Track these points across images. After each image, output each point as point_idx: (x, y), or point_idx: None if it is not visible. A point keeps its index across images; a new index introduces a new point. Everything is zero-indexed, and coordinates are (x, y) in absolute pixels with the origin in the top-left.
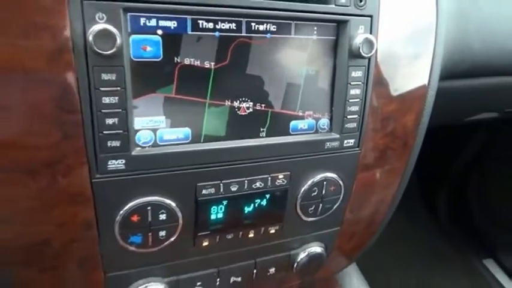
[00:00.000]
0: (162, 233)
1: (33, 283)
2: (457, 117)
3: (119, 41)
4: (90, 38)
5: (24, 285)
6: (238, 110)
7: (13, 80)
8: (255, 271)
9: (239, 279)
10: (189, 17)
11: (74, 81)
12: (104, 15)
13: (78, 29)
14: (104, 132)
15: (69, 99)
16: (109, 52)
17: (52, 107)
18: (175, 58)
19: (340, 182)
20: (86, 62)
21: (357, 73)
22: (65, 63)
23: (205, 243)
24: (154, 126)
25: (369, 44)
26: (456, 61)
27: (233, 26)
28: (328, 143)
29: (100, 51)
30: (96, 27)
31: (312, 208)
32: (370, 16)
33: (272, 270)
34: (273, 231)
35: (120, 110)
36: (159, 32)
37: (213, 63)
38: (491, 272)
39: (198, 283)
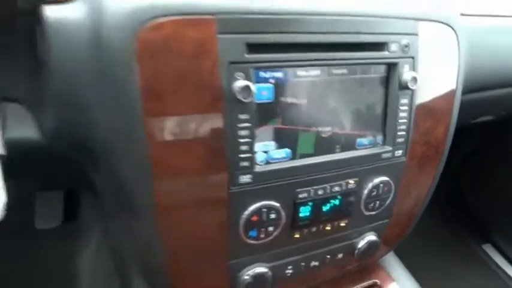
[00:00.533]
0: (271, 228)
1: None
2: (465, 121)
3: (253, 90)
4: (235, 90)
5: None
6: (322, 134)
7: (193, 119)
8: (328, 256)
9: (317, 263)
10: (291, 69)
11: (222, 119)
12: (242, 73)
13: (226, 84)
14: (239, 155)
15: (218, 132)
16: (247, 100)
17: (208, 138)
18: (281, 98)
19: (392, 183)
20: (231, 107)
21: (404, 100)
22: (218, 108)
23: (296, 236)
24: (266, 149)
25: (414, 79)
26: (473, 81)
27: (319, 72)
28: (383, 154)
29: (242, 99)
30: (239, 83)
31: (371, 205)
32: (413, 57)
33: (340, 255)
34: (342, 224)
35: (249, 139)
36: (272, 80)
37: (305, 100)
38: (491, 257)
39: (289, 267)
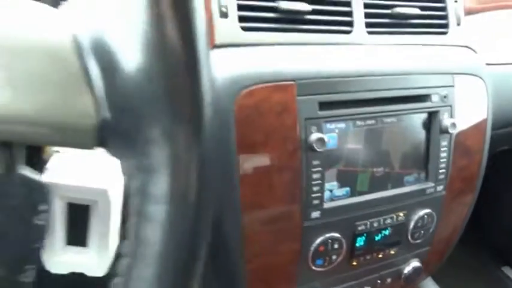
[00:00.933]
0: (334, 257)
1: None
2: (491, 152)
3: (326, 141)
4: (311, 141)
5: None
6: (376, 173)
7: (277, 165)
8: (379, 281)
9: (369, 287)
10: (352, 120)
11: (300, 165)
12: (315, 127)
13: (304, 136)
14: (311, 195)
15: (296, 175)
16: (321, 150)
17: (288, 180)
18: (343, 145)
19: (434, 214)
20: (306, 155)
21: (444, 143)
22: (297, 156)
23: (354, 263)
24: (331, 188)
25: (453, 125)
26: (499, 119)
27: (374, 121)
28: (427, 190)
29: (317, 149)
30: (315, 136)
31: (417, 234)
32: (451, 106)
33: (389, 280)
34: (392, 252)
35: (320, 181)
36: (336, 131)
37: (362, 145)
38: (510, 278)
39: None
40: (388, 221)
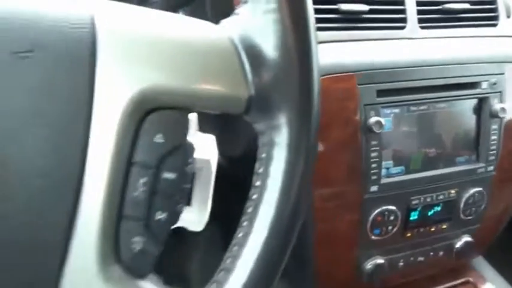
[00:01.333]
0: (390, 227)
1: None
2: None
3: (383, 124)
4: (370, 124)
5: None
6: (429, 154)
7: (339, 145)
8: (431, 253)
9: (422, 258)
10: (406, 106)
11: (360, 145)
12: (373, 111)
13: (363, 120)
14: (370, 171)
15: (356, 154)
16: (378, 131)
17: (349, 158)
18: (398, 128)
19: (484, 193)
20: (366, 136)
21: (494, 126)
22: (357, 137)
23: (408, 234)
24: (387, 166)
25: (503, 110)
26: None
27: (426, 107)
28: (478, 170)
29: (375, 131)
30: (373, 119)
31: (468, 211)
32: (500, 92)
33: (441, 253)
34: (444, 226)
35: (377, 159)
36: (392, 115)
37: (415, 128)
38: None
39: (401, 260)
40: (441, 197)
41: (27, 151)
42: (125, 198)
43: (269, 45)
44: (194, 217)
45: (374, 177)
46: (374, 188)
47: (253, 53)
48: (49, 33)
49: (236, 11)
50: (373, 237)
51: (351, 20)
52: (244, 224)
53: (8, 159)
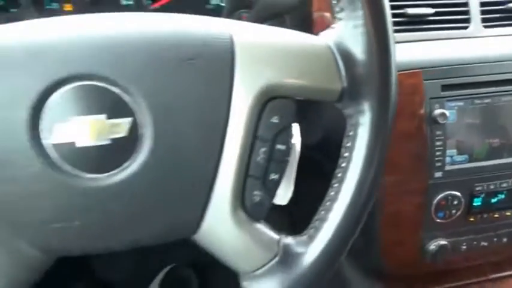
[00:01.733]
0: (453, 211)
1: None
2: None
3: (447, 115)
4: (435, 115)
5: None
6: (492, 144)
7: (406, 134)
8: (495, 239)
9: (486, 243)
10: (470, 100)
11: (426, 135)
12: (438, 104)
13: (429, 112)
14: (435, 158)
15: (422, 143)
16: (443, 122)
17: (416, 146)
18: (461, 120)
19: None
20: (431, 127)
21: None
22: (422, 127)
23: (471, 219)
24: (451, 154)
25: None
26: None
27: (489, 100)
28: None
29: (440, 122)
30: (438, 111)
31: None
32: None
33: (505, 239)
34: (508, 213)
35: (442, 147)
36: (456, 107)
37: (478, 120)
38: None
39: (464, 243)
40: (504, 185)
41: (187, 128)
42: (250, 163)
43: (358, 50)
44: (281, 192)
45: (438, 164)
46: (438, 174)
47: (346, 55)
48: (204, 46)
49: (332, 26)
50: (437, 220)
51: (418, 22)
52: (335, 185)
53: (175, 132)
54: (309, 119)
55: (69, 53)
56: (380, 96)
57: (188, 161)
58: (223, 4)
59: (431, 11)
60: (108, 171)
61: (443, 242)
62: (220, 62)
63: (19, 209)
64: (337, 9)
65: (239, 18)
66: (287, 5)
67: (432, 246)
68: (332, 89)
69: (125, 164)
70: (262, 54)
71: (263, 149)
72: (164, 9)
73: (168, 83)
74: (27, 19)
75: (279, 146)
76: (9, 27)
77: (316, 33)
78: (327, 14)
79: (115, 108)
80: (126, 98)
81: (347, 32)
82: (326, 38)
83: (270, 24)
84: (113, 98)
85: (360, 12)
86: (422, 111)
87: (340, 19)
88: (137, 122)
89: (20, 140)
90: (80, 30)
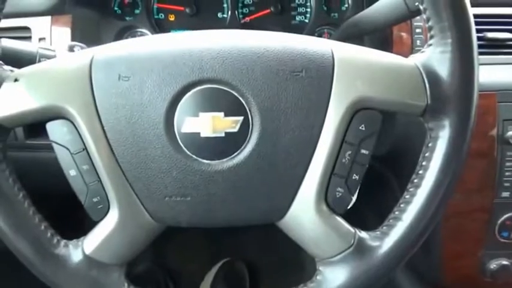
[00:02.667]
0: None
1: None
2: None
3: None
4: (508, 137)
5: None
6: None
7: (478, 153)
8: None
9: None
10: None
11: (495, 156)
12: (511, 126)
13: (501, 133)
14: (503, 178)
15: (492, 163)
16: None
17: (485, 166)
18: None
19: None
20: (502, 147)
21: None
22: (494, 147)
23: None
24: None
25: None
26: None
27: None
28: None
29: (511, 143)
30: (510, 133)
31: None
32: None
33: None
34: None
35: (511, 168)
36: None
37: None
38: None
39: None
40: None
41: (288, 129)
42: (336, 163)
43: (443, 72)
44: None
45: (507, 184)
46: (506, 194)
47: (432, 76)
48: (309, 61)
49: (422, 50)
50: (500, 239)
51: (495, 46)
52: (411, 189)
53: (278, 132)
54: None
55: (200, 62)
56: (461, 115)
57: (285, 157)
58: (307, 21)
59: (509, 36)
60: (220, 159)
61: (505, 261)
62: (321, 76)
63: (149, 182)
64: (428, 35)
65: (321, 35)
66: (372, 26)
67: (493, 264)
68: (417, 104)
69: (234, 154)
70: (357, 70)
71: (349, 152)
72: (254, 23)
73: (278, 91)
74: (140, 27)
75: (363, 151)
76: (150, 38)
77: (395, 53)
78: (405, 35)
79: (231, 107)
80: (241, 100)
81: (435, 56)
82: (415, 59)
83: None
84: (231, 99)
85: (449, 41)
86: (494, 132)
87: (429, 44)
88: (248, 120)
89: (158, 128)
90: (207, 43)
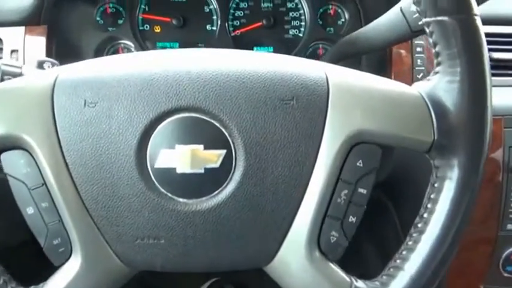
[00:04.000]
0: None
1: None
2: None
3: None
4: None
5: None
6: None
7: None
8: None
9: None
10: None
11: (500, 184)
12: None
13: (507, 161)
14: (509, 209)
15: (496, 193)
16: None
17: (490, 197)
18: None
19: None
20: (507, 177)
21: None
22: (499, 176)
23: None
24: None
25: None
26: None
27: None
28: None
29: None
30: None
31: None
32: None
33: None
34: None
35: None
36: None
37: None
38: None
39: None
40: None
41: (276, 165)
42: (330, 203)
43: (452, 104)
44: None
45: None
46: (511, 226)
47: (439, 108)
48: (301, 88)
49: (427, 78)
50: (504, 273)
51: (502, 67)
52: (414, 234)
53: (264, 168)
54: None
55: (177, 87)
56: (472, 153)
57: (272, 196)
58: (301, 35)
59: None
60: (198, 198)
61: None
62: (314, 105)
63: (118, 223)
64: (435, 62)
65: (315, 50)
66: (370, 46)
67: None
68: (422, 140)
69: (214, 193)
70: (355, 98)
71: (345, 191)
72: (245, 37)
73: (265, 122)
74: (123, 39)
75: (361, 190)
76: (121, 59)
77: (394, 73)
78: (404, 52)
79: (212, 140)
80: (224, 131)
81: (442, 86)
82: (419, 88)
83: (345, 63)
84: (211, 130)
85: (458, 69)
86: (500, 159)
87: (436, 72)
88: (231, 154)
89: (128, 162)
90: (186, 65)
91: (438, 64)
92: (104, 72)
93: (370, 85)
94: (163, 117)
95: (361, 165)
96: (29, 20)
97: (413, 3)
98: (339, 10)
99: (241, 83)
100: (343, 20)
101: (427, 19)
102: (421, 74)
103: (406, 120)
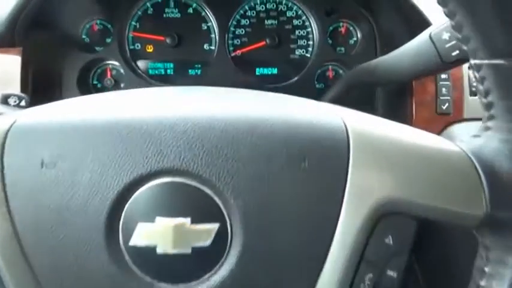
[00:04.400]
0: None
1: None
2: None
3: None
4: None
5: None
6: None
7: None
8: None
9: None
10: None
11: None
12: None
13: None
14: None
15: None
16: None
17: None
18: None
19: None
20: None
21: None
22: None
23: None
24: None
25: None
26: None
27: None
28: None
29: None
30: None
31: None
32: None
33: None
34: None
35: None
36: None
37: None
38: None
39: None
40: None
41: (283, 244)
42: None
43: (507, 169)
44: None
45: None
46: None
47: (491, 172)
48: (315, 143)
49: (476, 133)
50: None
51: None
52: None
53: (267, 248)
54: None
55: (160, 142)
56: None
57: (277, 282)
58: (308, 55)
59: None
60: (185, 283)
61: None
62: (331, 165)
63: None
64: (486, 114)
65: (324, 72)
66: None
67: None
68: (470, 213)
69: (204, 277)
70: (382, 158)
71: (369, 275)
72: (246, 57)
73: (271, 189)
74: (111, 59)
75: (390, 273)
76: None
77: (416, 102)
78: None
79: (202, 211)
80: (217, 200)
81: (495, 146)
82: (465, 146)
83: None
84: (201, 199)
85: None
86: None
87: (487, 128)
88: (225, 229)
89: (96, 238)
90: (170, 114)
91: (491, 118)
92: (68, 122)
93: (401, 139)
94: (140, 182)
95: (391, 242)
96: (1, 41)
97: (450, 30)
98: (351, 28)
99: (239, 137)
100: (355, 39)
101: (478, 61)
102: (446, 105)
103: (447, 188)
